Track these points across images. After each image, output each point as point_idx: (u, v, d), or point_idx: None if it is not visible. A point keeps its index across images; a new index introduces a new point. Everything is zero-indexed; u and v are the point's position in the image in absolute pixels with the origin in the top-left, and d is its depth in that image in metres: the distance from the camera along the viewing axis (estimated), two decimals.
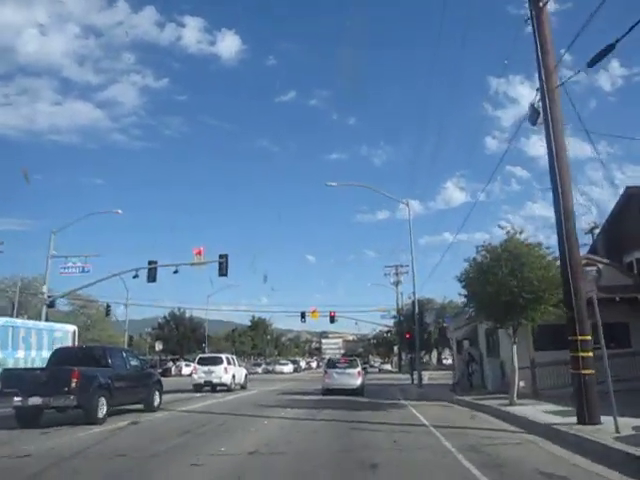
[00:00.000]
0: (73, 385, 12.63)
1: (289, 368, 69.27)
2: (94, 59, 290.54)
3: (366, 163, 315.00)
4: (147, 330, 76.11)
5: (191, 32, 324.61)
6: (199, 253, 33.97)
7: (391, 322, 71.51)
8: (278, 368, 69.06)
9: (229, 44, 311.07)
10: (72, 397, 12.60)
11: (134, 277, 34.11)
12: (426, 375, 34.25)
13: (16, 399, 12.59)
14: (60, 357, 15.08)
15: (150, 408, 16.47)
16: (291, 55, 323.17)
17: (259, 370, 68.08)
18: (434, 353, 72.62)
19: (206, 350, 67.52)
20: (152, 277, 34.09)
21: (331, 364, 26.67)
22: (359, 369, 25.55)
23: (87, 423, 12.67)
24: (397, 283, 71.97)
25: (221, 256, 33.86)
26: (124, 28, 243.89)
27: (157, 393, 17.25)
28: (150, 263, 34.26)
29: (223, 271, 33.60)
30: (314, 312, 66.37)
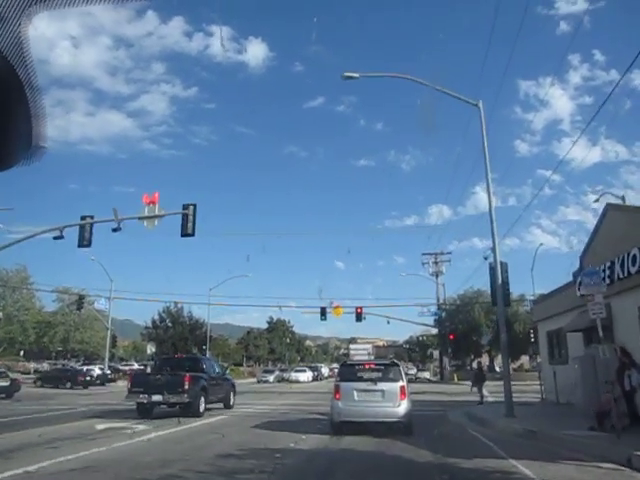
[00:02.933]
0: (186, 386, 16.74)
1: (307, 376, 57.24)
2: (125, 70, 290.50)
3: (394, 168, 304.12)
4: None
5: (219, 41, 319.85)
6: (152, 202, 22.50)
7: (430, 320, 58.97)
8: (293, 376, 57.11)
9: (256, 52, 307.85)
10: (185, 395, 16.67)
11: (56, 238, 22.78)
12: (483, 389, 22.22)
13: (141, 396, 16.91)
14: (163, 363, 21.44)
15: (228, 406, 20.53)
16: (318, 60, 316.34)
17: (270, 378, 56.32)
18: (485, 357, 59.74)
19: (207, 354, 56.21)
20: (85, 239, 22.78)
21: (349, 372, 13.65)
22: (402, 382, 13.05)
23: (193, 416, 16.59)
24: (437, 274, 59.79)
25: (185, 206, 22.37)
26: (154, 39, 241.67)
27: (232, 394, 21.24)
28: (83, 219, 22.96)
29: (188, 230, 22.09)
30: (337, 308, 54.48)
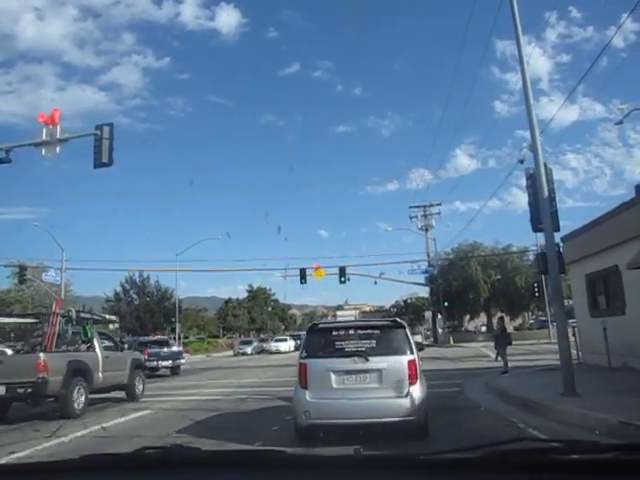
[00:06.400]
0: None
1: (288, 345, 51.95)
2: (94, 41, 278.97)
3: (374, 134, 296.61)
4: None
5: (189, 8, 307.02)
6: (51, 122, 16.46)
7: (422, 279, 53.89)
8: (273, 346, 51.82)
9: (228, 18, 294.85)
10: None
11: None
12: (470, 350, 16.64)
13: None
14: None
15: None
16: (292, 25, 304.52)
17: (248, 350, 51.08)
18: (482, 316, 54.96)
19: (177, 328, 50.66)
20: None
21: (322, 341, 8.17)
22: (410, 355, 7.81)
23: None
24: (426, 227, 54.53)
25: (98, 127, 16.41)
26: (121, 7, 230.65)
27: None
28: None
29: (103, 157, 16.17)
30: (318, 269, 49.23)
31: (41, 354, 11.77)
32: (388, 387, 7.60)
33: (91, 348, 13.66)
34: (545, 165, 11.03)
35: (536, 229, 11.49)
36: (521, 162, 12.42)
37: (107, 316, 17.27)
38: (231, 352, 54.81)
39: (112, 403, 14.30)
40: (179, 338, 51.63)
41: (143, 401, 14.38)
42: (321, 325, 9.13)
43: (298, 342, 58.18)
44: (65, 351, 13.32)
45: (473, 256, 47.97)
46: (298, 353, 8.73)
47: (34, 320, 15.39)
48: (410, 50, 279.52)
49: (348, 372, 7.69)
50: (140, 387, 15.24)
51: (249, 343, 55.38)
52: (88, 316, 15.53)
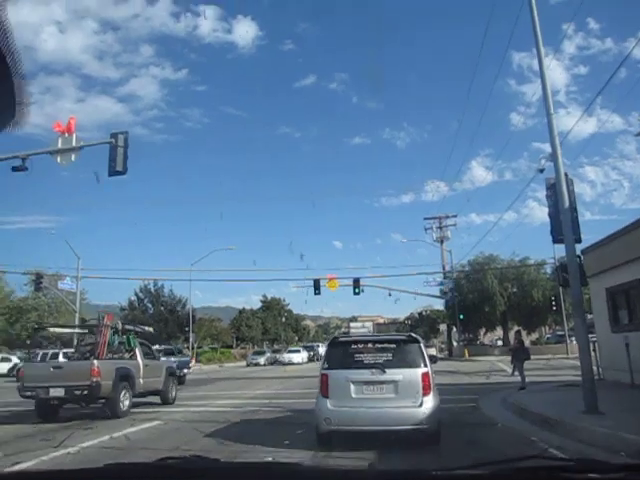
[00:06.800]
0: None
1: (301, 357, 51.56)
2: (113, 54, 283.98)
3: (389, 146, 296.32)
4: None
5: (207, 21, 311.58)
6: (68, 131, 16.50)
7: (436, 291, 53.28)
8: (286, 357, 51.46)
9: (245, 31, 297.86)
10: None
11: None
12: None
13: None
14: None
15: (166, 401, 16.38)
16: (308, 38, 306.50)
17: (261, 361, 50.79)
18: (498, 330, 54.15)
19: (190, 337, 50.61)
20: None
21: (342, 354, 8.79)
22: (424, 367, 8.42)
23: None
24: (442, 239, 54.03)
25: (113, 135, 16.45)
26: (140, 21, 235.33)
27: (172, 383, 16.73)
28: None
29: (117, 166, 16.19)
30: (332, 280, 48.98)
31: (95, 361, 13.22)
32: (403, 397, 8.15)
33: (134, 357, 15.12)
34: (566, 175, 10.75)
35: (557, 240, 11.18)
36: (541, 171, 12.21)
37: (146, 328, 18.47)
38: (244, 362, 54.57)
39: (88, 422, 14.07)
40: (192, 348, 51.57)
41: (153, 411, 14.21)
42: (341, 339, 9.72)
43: (312, 353, 57.94)
44: (113, 359, 14.66)
45: (489, 268, 47.36)
46: (310, 364, 8.93)
47: (83, 331, 18.15)
48: (426, 62, 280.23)
49: (366, 383, 8.31)
50: (173, 393, 16.61)
51: (262, 354, 55.11)
52: (131, 328, 16.66)
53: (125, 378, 13.79)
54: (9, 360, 41.34)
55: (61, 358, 25.13)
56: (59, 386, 12.78)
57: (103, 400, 13.15)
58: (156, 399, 16.02)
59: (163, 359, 18.08)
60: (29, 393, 13.18)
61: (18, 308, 63.59)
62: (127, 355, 15.34)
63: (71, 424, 12.09)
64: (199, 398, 17.91)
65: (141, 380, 14.56)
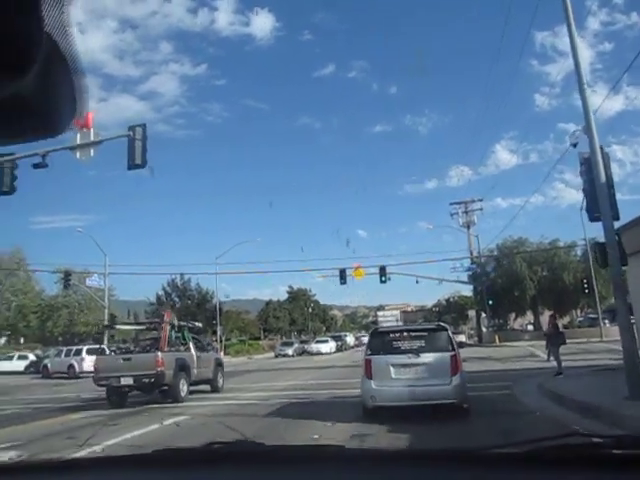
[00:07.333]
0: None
1: (329, 347, 51.38)
2: (133, 52, 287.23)
3: (411, 133, 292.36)
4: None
5: (224, 15, 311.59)
6: (85, 125, 16.34)
7: (464, 277, 52.49)
8: (314, 347, 51.37)
9: (262, 23, 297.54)
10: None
11: None
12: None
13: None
14: None
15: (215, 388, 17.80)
16: (326, 27, 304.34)
17: (289, 352, 50.75)
18: (528, 315, 53.17)
19: (218, 330, 50.89)
20: (6, 185, 16.88)
21: (381, 342, 10.55)
22: (453, 351, 10.03)
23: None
24: (468, 224, 53.15)
25: (131, 128, 16.30)
26: (158, 18, 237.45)
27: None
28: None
29: (136, 159, 16.04)
30: (358, 269, 48.59)
31: (159, 353, 15.00)
32: (435, 377, 9.65)
33: (188, 349, 16.69)
34: (601, 148, 10.16)
35: (593, 218, 10.60)
36: (574, 146, 11.56)
37: (196, 323, 20.70)
38: (272, 354, 54.65)
39: (148, 407, 14.14)
40: (220, 340, 51.87)
41: (180, 406, 14.13)
42: (380, 329, 12.34)
43: (339, 343, 57.77)
44: (171, 351, 15.97)
45: (518, 252, 46.38)
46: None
47: (142, 327, 20.57)
48: (446, 45, 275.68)
49: (404, 365, 9.88)
50: (221, 381, 18.16)
51: (290, 345, 55.07)
52: (184, 323, 18.35)
53: (183, 368, 15.50)
54: (26, 358, 41.97)
55: (84, 354, 31.14)
56: (129, 375, 14.58)
57: (165, 387, 14.83)
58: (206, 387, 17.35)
59: (212, 352, 19.80)
60: (103, 382, 15.01)
61: (50, 306, 64.78)
62: (182, 348, 16.75)
63: (135, 410, 13.88)
64: (227, 391, 17.74)
65: (195, 370, 16.19)
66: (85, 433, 9.97)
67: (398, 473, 1.59)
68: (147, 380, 14.64)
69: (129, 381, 14.74)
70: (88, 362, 32.09)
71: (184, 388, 15.33)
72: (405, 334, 10.51)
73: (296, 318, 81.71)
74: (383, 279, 44.34)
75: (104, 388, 15.27)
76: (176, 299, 54.77)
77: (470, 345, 47.48)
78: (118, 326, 24.59)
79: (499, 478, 1.49)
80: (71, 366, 32.24)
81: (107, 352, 18.91)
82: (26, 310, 60.30)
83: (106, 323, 27.26)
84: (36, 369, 37.68)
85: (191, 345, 16.84)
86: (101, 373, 15.22)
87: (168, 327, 16.23)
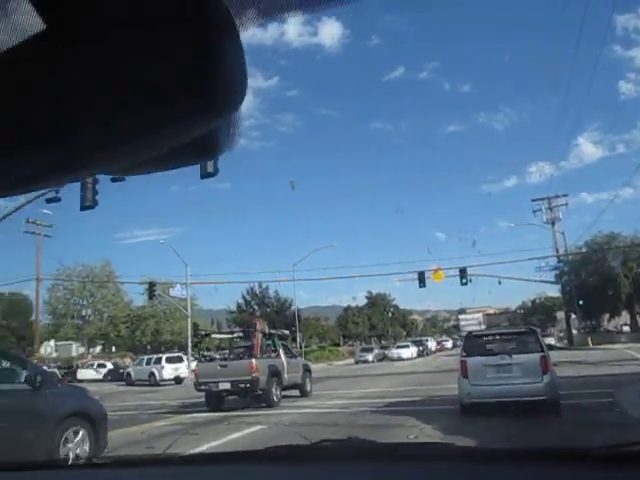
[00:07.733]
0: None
1: (410, 352, 50.28)
2: None
3: (486, 130, 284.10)
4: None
5: (293, 27, 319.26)
6: None
7: (550, 277, 49.85)
8: (395, 353, 50.47)
9: (330, 32, 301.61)
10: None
11: (50, 201, 17.79)
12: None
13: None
14: None
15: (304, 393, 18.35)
16: (393, 30, 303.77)
17: (369, 357, 50.13)
18: (623, 315, 49.78)
19: (297, 337, 51.15)
20: (89, 199, 17.61)
21: (476, 344, 11.78)
22: (543, 352, 10.85)
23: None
24: (553, 221, 50.50)
25: None
26: None
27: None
28: None
29: (208, 167, 16.09)
30: (437, 272, 47.32)
31: (253, 359, 15.83)
32: (527, 376, 10.39)
33: (278, 356, 17.41)
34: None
35: None
36: None
37: (284, 331, 21.76)
38: (352, 360, 54.23)
39: (233, 414, 14.22)
40: (300, 347, 52.14)
41: (256, 414, 14.06)
42: (474, 333, 12.91)
43: (421, 348, 56.52)
44: (263, 358, 16.63)
45: (610, 248, 43.47)
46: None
47: (234, 335, 21.19)
48: (519, 37, 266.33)
49: (497, 366, 10.71)
50: (309, 386, 18.57)
51: (370, 350, 54.41)
52: (274, 332, 19.21)
53: (275, 374, 16.21)
54: (104, 366, 43.92)
55: (164, 362, 33.92)
56: (226, 381, 15.50)
57: (260, 392, 15.54)
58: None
59: (300, 358, 20.66)
60: (203, 387, 16.05)
61: (137, 316, 67.92)
62: (273, 354, 17.46)
63: (217, 416, 14.35)
64: (306, 399, 17.56)
65: (286, 375, 16.87)
66: (164, 442, 9.97)
67: (510, 472, 1.57)
68: (243, 385, 15.48)
69: (226, 386, 15.62)
70: (168, 370, 33.31)
71: (277, 393, 16.09)
72: (497, 337, 11.92)
73: (375, 323, 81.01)
74: (464, 281, 43.00)
75: (202, 394, 16.30)
76: (255, 307, 55.64)
77: (560, 348, 44.87)
78: (214, 335, 25.48)
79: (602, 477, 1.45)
80: (152, 374, 33.42)
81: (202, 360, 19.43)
82: (117, 320, 63.45)
83: (204, 332, 28.27)
84: (113, 377, 39.45)
85: (281, 352, 17.61)
86: (201, 379, 16.20)
87: (260, 335, 17.05)
